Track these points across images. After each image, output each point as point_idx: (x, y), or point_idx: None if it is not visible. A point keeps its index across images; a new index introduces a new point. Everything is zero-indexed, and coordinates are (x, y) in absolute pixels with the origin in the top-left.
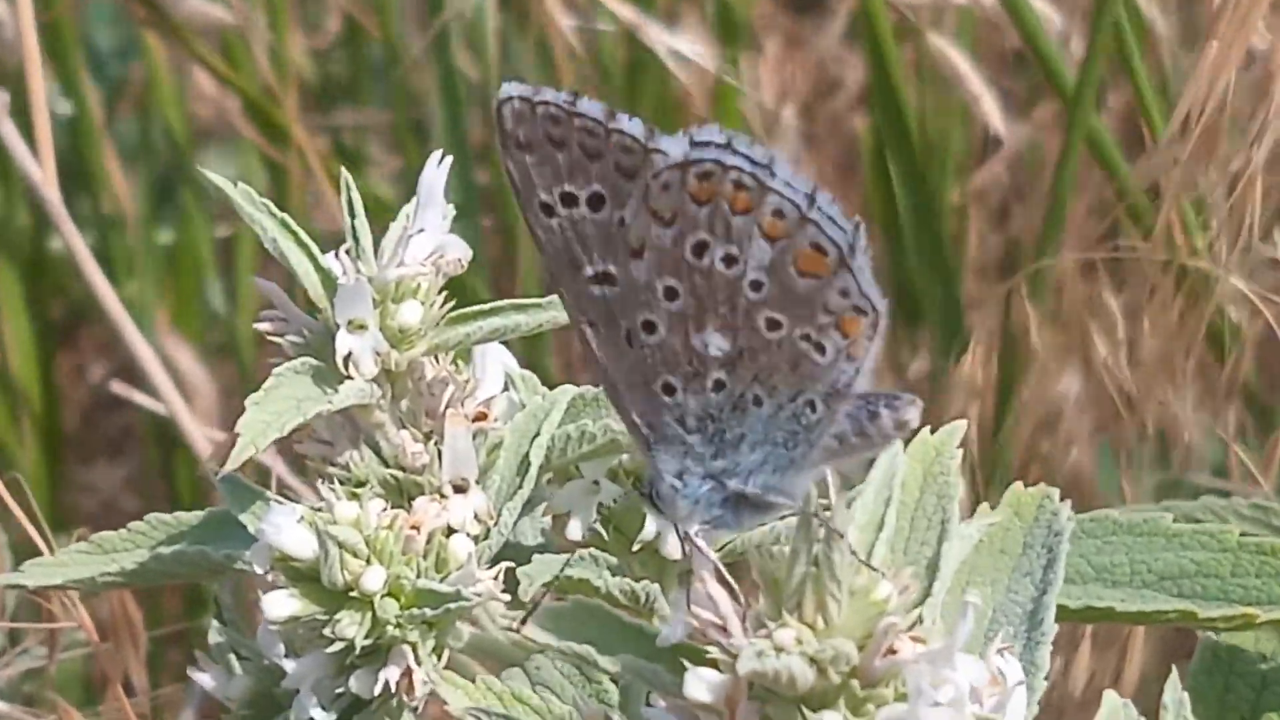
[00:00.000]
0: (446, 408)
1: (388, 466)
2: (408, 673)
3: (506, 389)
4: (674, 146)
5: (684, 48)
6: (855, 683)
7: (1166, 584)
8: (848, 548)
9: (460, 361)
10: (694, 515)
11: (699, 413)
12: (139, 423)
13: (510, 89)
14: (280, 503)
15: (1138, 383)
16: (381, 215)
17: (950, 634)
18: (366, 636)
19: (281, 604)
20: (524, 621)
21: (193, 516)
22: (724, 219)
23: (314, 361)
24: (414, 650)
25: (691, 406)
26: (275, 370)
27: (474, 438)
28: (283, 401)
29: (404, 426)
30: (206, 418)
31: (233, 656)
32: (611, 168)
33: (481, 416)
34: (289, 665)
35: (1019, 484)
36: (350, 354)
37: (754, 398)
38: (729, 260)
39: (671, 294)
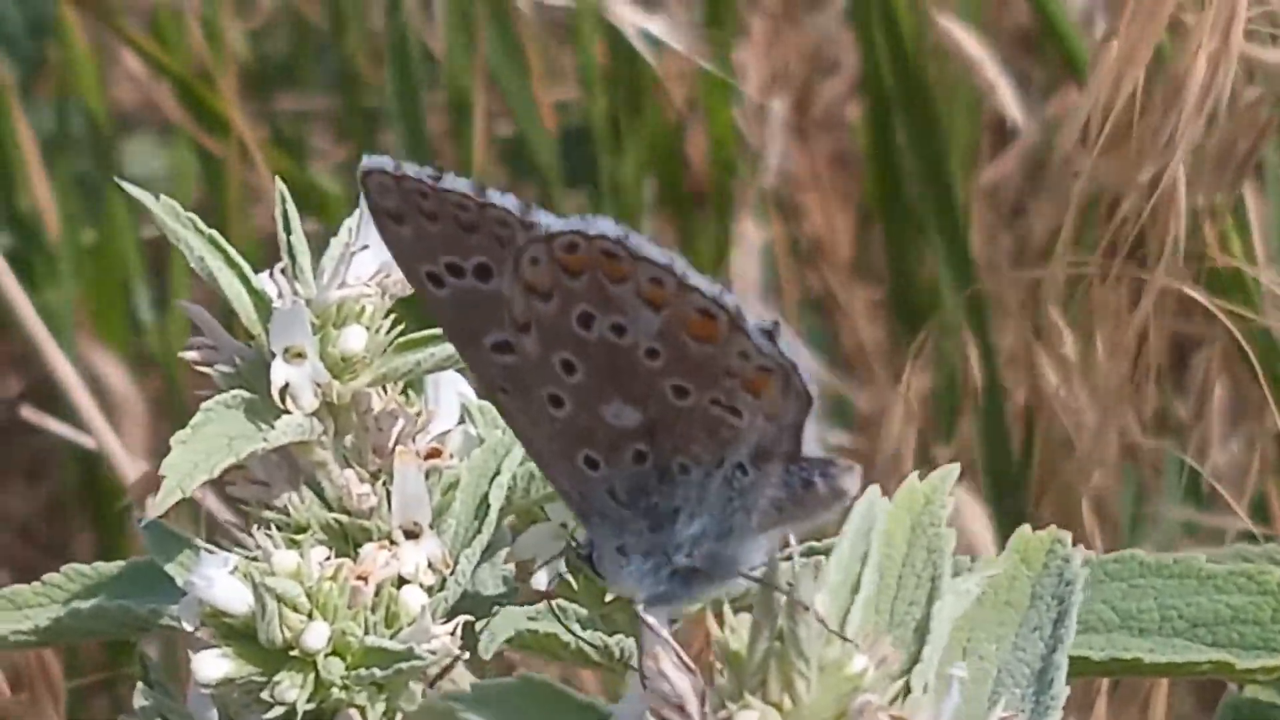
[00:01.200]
0: (396, 444)
1: (331, 510)
2: None
3: (463, 422)
4: (552, 220)
5: (657, 29)
6: None
7: (1200, 631)
8: (814, 619)
9: (411, 392)
10: (640, 589)
11: (628, 486)
12: (59, 443)
13: (371, 163)
14: (211, 552)
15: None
16: (327, 212)
17: (937, 711)
18: (309, 700)
19: (214, 665)
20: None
21: (113, 567)
22: (601, 289)
23: (247, 394)
24: (362, 715)
25: (618, 479)
26: (204, 405)
27: (427, 477)
28: (212, 440)
29: (349, 465)
30: (133, 437)
31: None
32: (491, 240)
33: (435, 453)
34: None
35: (1026, 528)
36: (287, 385)
37: (679, 466)
38: (618, 330)
39: (569, 367)
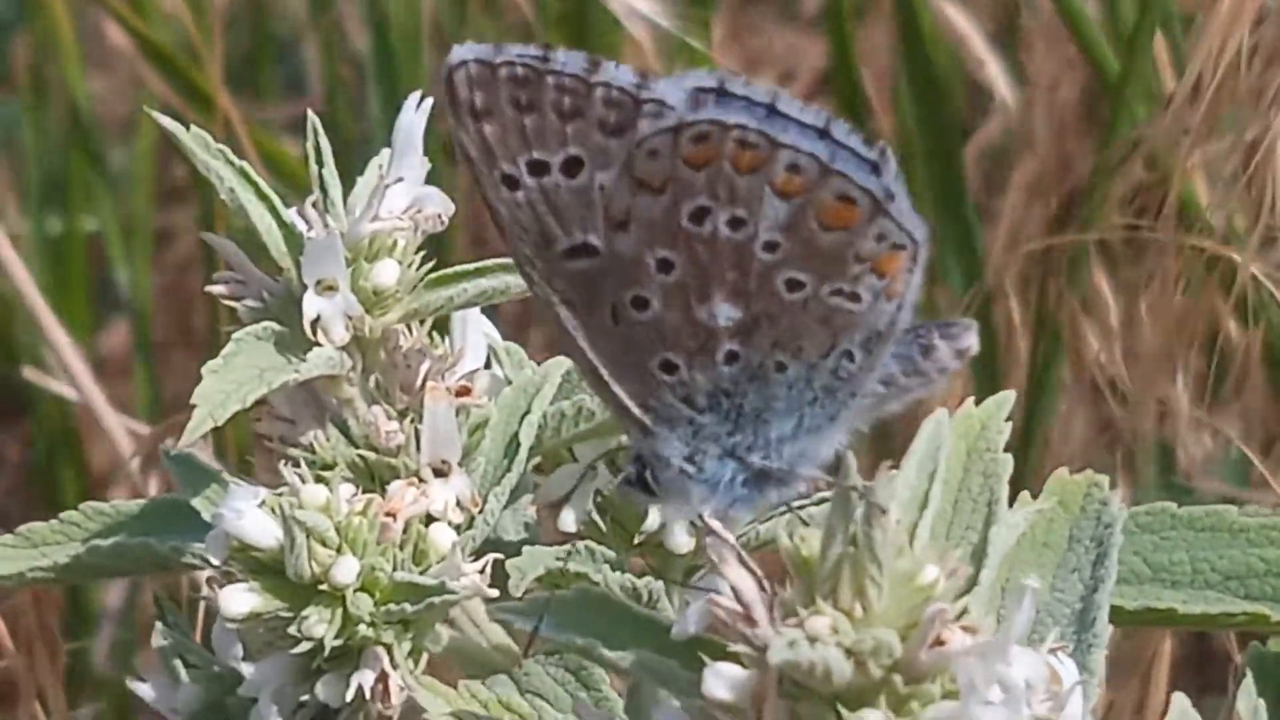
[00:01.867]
0: (424, 382)
1: (357, 447)
2: (383, 677)
3: (489, 365)
4: (672, 93)
5: (640, 3)
6: (898, 678)
7: (1233, 584)
8: (891, 525)
9: (436, 335)
10: (711, 500)
11: (709, 389)
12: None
13: (463, 52)
14: (239, 484)
15: (1135, 379)
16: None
17: (1004, 625)
18: (336, 636)
19: (240, 599)
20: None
21: (132, 506)
22: (728, 181)
23: (277, 327)
24: (389, 653)
25: (700, 383)
26: (235, 336)
27: (456, 415)
28: (243, 370)
29: (376, 403)
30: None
31: (179, 663)
32: (595, 126)
33: (464, 392)
34: (247, 670)
35: (1063, 470)
36: (319, 318)
37: (776, 364)
38: (735, 223)
39: (666, 266)
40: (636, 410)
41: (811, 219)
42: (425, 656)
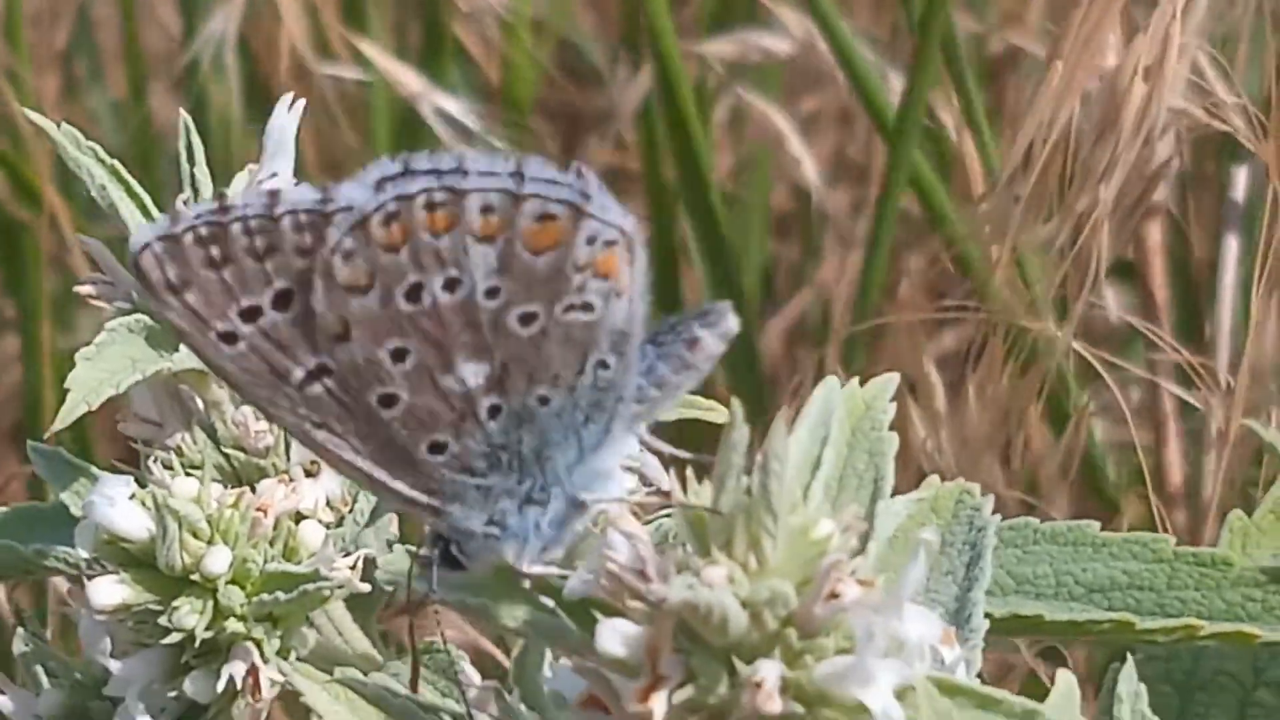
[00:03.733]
0: None
1: (225, 450)
2: (253, 670)
3: None
4: (359, 193)
5: (454, 108)
6: (792, 632)
7: (1096, 596)
8: (787, 475)
9: None
10: (525, 550)
11: (484, 450)
12: None
13: (143, 234)
14: (110, 476)
15: (962, 464)
16: None
17: (898, 579)
18: (207, 628)
19: (110, 590)
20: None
21: None
22: (430, 249)
23: (149, 321)
24: (259, 649)
25: (473, 449)
26: (108, 325)
27: None
28: (117, 359)
29: (242, 405)
30: None
31: (40, 670)
32: (292, 254)
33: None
34: (114, 666)
35: (934, 478)
36: None
37: (539, 399)
38: (451, 285)
39: (399, 355)
40: (423, 498)
41: (521, 250)
42: (293, 656)
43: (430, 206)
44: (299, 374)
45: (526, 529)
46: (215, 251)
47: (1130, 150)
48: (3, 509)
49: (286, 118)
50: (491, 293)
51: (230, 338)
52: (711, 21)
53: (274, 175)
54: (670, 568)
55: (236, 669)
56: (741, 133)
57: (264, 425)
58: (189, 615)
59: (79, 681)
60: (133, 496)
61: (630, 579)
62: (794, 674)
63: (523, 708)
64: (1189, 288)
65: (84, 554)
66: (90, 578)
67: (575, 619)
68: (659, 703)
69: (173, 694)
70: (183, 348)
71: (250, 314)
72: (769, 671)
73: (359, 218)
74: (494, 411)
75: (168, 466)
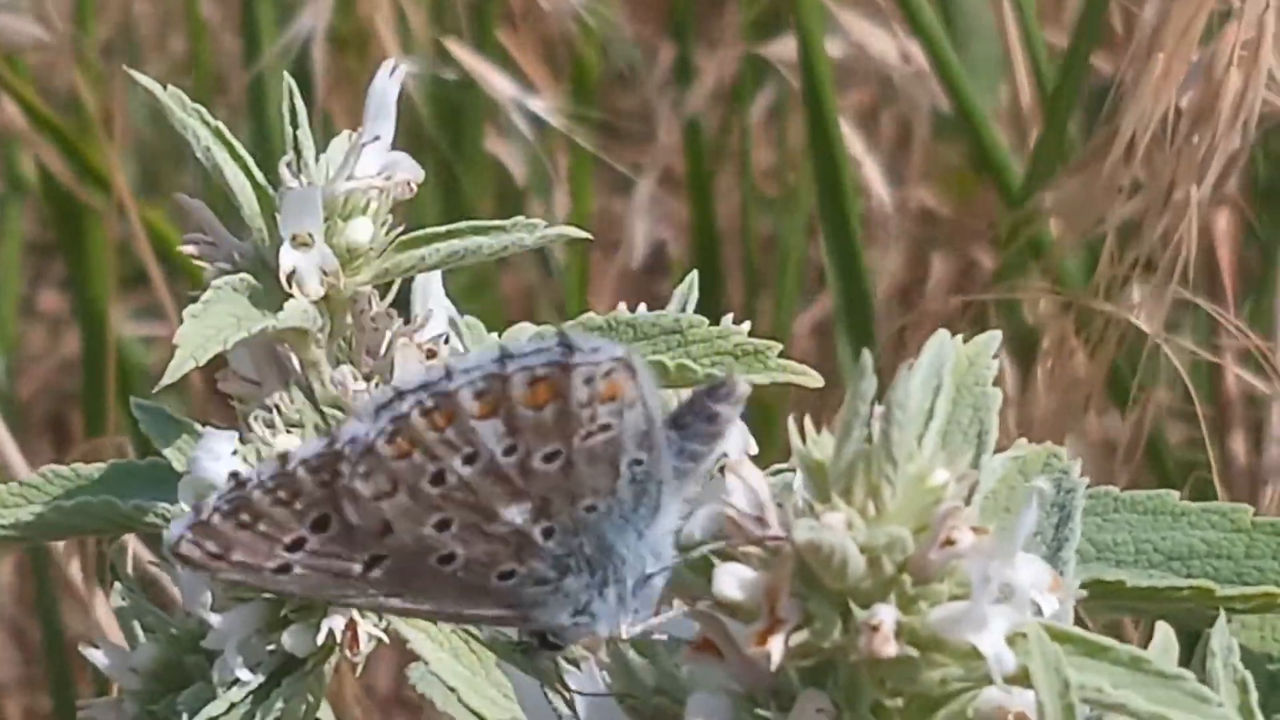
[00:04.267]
0: (391, 345)
1: (322, 410)
2: (351, 625)
3: (447, 341)
4: (362, 426)
5: (536, 106)
6: (907, 578)
7: (1175, 564)
8: (909, 422)
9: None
10: (621, 620)
11: (551, 563)
12: None
13: (175, 530)
14: (214, 430)
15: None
16: None
17: (1011, 526)
18: None
19: None
20: None
21: (93, 469)
22: (441, 443)
23: (253, 281)
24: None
25: (540, 566)
26: (214, 283)
27: None
28: (222, 317)
29: (342, 364)
30: None
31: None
32: (316, 488)
33: (432, 354)
34: (214, 619)
35: (1022, 441)
36: (294, 271)
37: (586, 509)
38: (469, 460)
39: (444, 525)
40: (509, 613)
41: (523, 411)
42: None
43: (425, 413)
44: (357, 569)
45: (612, 608)
46: (244, 517)
47: (1229, 138)
48: (99, 466)
49: (388, 81)
50: (509, 451)
51: (284, 569)
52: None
53: (376, 139)
54: (789, 513)
55: (336, 623)
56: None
57: (363, 385)
58: None
59: (174, 636)
60: (235, 452)
61: (748, 524)
62: (908, 619)
63: (633, 654)
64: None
65: (188, 507)
66: None
67: (690, 565)
68: (776, 645)
69: (270, 648)
70: (288, 304)
71: (295, 545)
72: (886, 615)
73: (364, 447)
74: (548, 533)
75: (269, 425)
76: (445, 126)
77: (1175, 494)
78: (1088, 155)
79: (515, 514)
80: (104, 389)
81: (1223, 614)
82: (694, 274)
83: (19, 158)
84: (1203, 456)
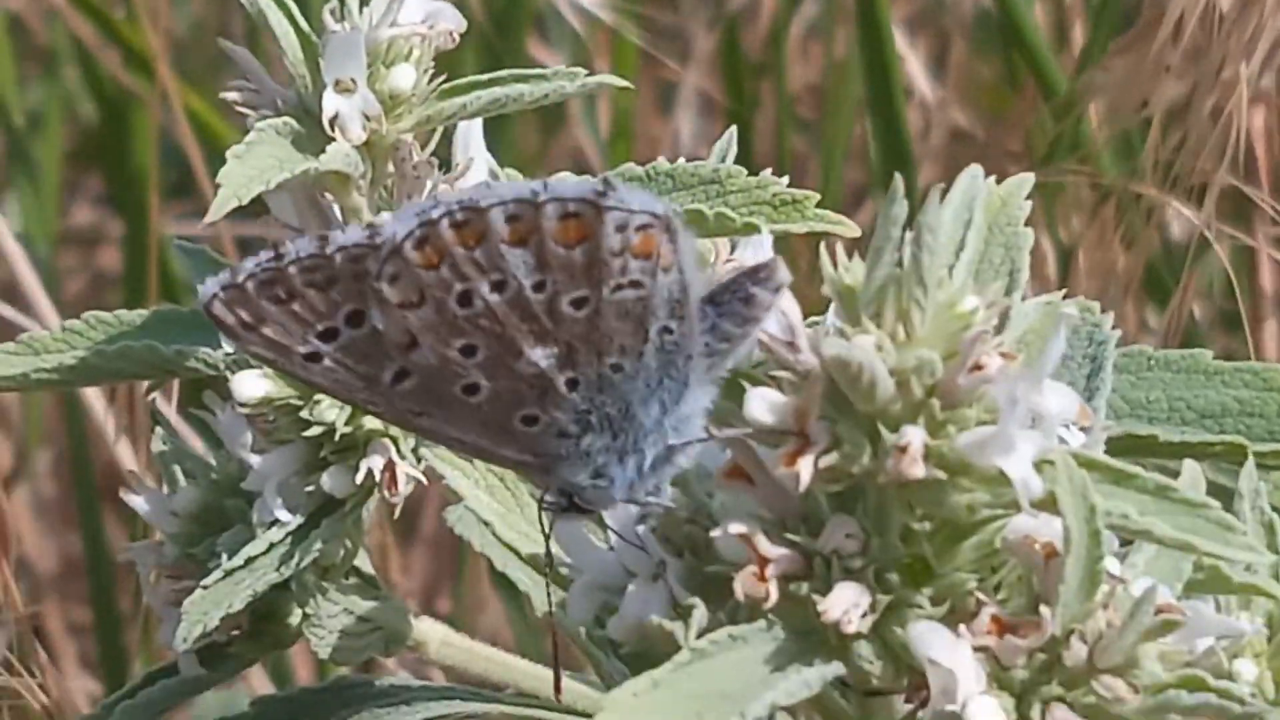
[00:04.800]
0: (434, 190)
1: None
2: (390, 465)
3: None
4: (402, 224)
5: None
6: (935, 402)
7: (1208, 422)
8: (940, 246)
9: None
10: (639, 491)
11: (573, 417)
12: None
13: (208, 288)
14: None
15: None
16: None
17: (1040, 353)
18: (346, 424)
19: (254, 384)
20: None
21: (135, 315)
22: (468, 260)
23: (295, 125)
24: (395, 446)
25: (562, 418)
26: (257, 125)
27: None
28: (265, 158)
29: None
30: None
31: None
32: (350, 281)
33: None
34: (254, 460)
35: (1055, 296)
36: (337, 116)
37: (612, 367)
38: (498, 287)
39: (469, 351)
40: (531, 459)
41: (554, 246)
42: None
43: (455, 225)
44: (388, 375)
45: (630, 477)
46: (280, 291)
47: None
48: (141, 312)
49: None
50: (538, 286)
51: (315, 357)
52: None
53: None
54: (820, 338)
55: (375, 462)
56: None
57: None
58: (329, 409)
59: (214, 480)
60: None
61: (779, 348)
62: (936, 443)
63: None
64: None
65: (226, 351)
66: (234, 373)
67: (722, 392)
68: (805, 467)
69: (309, 489)
70: (331, 148)
71: (328, 335)
72: (914, 436)
73: (391, 245)
74: (572, 384)
75: None
76: (491, 29)
77: (1209, 353)
78: (1134, 36)
79: (541, 356)
80: (145, 295)
81: (1251, 458)
82: (733, 128)
83: (60, 38)
84: (1240, 352)
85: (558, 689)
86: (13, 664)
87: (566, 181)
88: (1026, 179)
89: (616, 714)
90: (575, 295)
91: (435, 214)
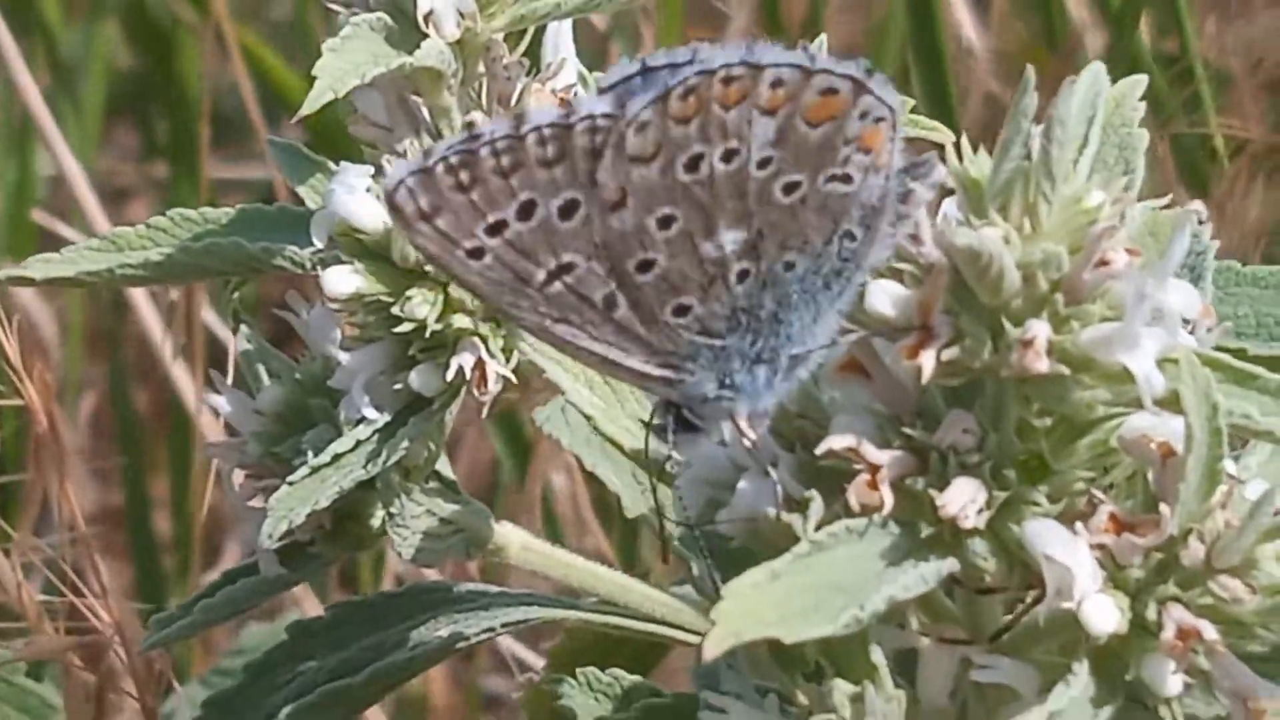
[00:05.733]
0: (523, 93)
1: None
2: (480, 364)
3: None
4: (599, 102)
5: None
6: (1060, 297)
7: None
8: (1070, 143)
9: None
10: (757, 404)
11: (725, 313)
12: None
13: (398, 171)
14: (351, 163)
15: None
16: None
17: (1165, 250)
18: (438, 320)
19: (344, 279)
20: None
21: (220, 213)
22: (717, 122)
23: (389, 21)
24: (484, 345)
25: (716, 311)
26: (351, 20)
27: None
28: (359, 53)
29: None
30: None
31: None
32: (536, 167)
33: (563, 103)
34: (343, 357)
35: (1154, 204)
36: (431, 11)
37: (785, 264)
38: (728, 156)
39: (666, 222)
40: (656, 370)
41: (799, 123)
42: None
43: (727, 80)
44: (540, 276)
45: (757, 387)
46: (465, 176)
47: None
48: (226, 210)
49: None
50: (764, 163)
51: (477, 253)
52: None
53: None
54: (944, 231)
55: (466, 360)
56: None
57: None
58: (421, 305)
59: (298, 380)
60: (369, 190)
61: (904, 241)
62: (1059, 338)
63: None
64: None
65: (315, 247)
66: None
67: None
68: (927, 359)
69: (396, 387)
70: (425, 44)
71: (496, 228)
72: (1040, 330)
73: (660, 93)
74: (743, 276)
75: None
76: None
77: None
78: None
79: (730, 239)
80: None
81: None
82: (823, 35)
83: None
84: None
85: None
86: (76, 585)
87: (837, 60)
88: (1140, 80)
89: (736, 603)
90: (791, 179)
91: (715, 63)
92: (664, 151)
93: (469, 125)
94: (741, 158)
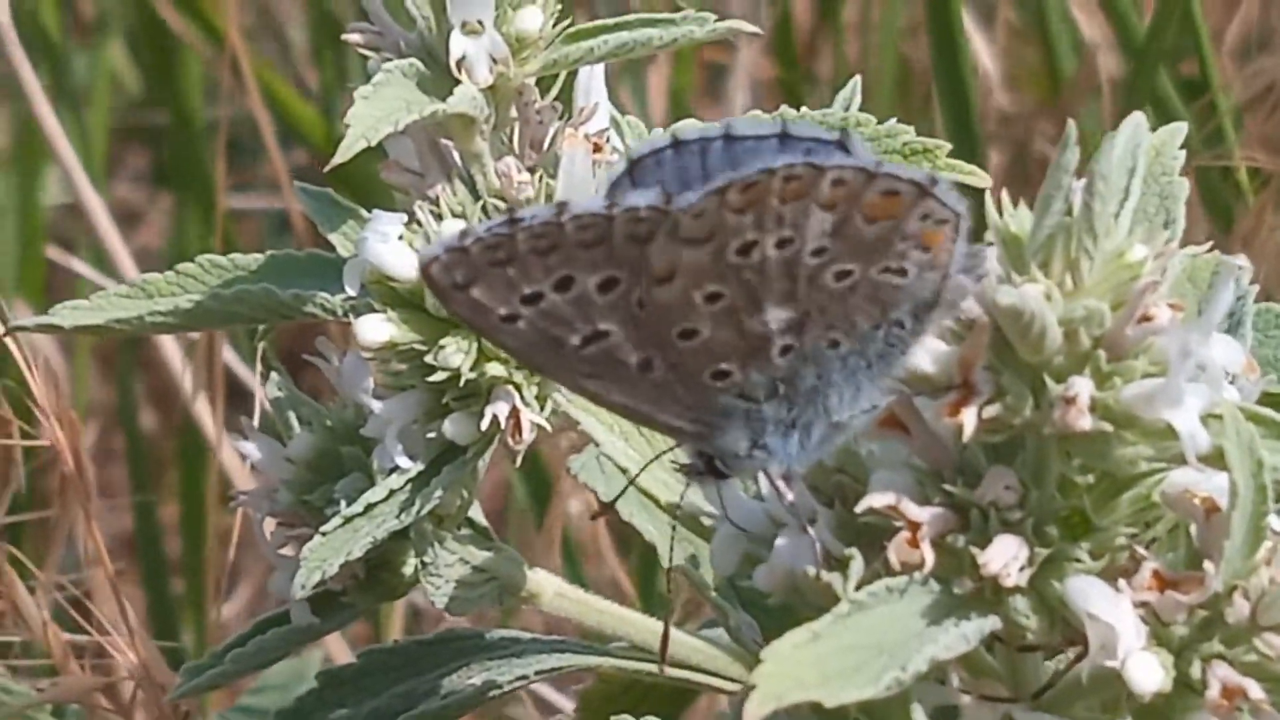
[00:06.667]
0: (555, 138)
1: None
2: (514, 413)
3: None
4: (644, 195)
5: None
6: (1102, 353)
7: None
8: (1111, 193)
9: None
10: (788, 464)
11: (765, 382)
12: None
13: (432, 250)
14: (384, 211)
15: None
16: None
17: (1207, 306)
18: (471, 369)
19: (378, 327)
20: None
21: (250, 259)
22: (774, 214)
23: (421, 67)
24: (518, 393)
25: (755, 380)
26: (384, 67)
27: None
28: (392, 100)
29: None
30: None
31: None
32: (575, 248)
33: (597, 148)
34: (376, 405)
35: (1190, 250)
36: (464, 57)
37: (829, 342)
38: (782, 244)
39: (713, 298)
40: (689, 426)
41: (858, 219)
42: (550, 403)
43: (789, 179)
44: (574, 341)
45: (790, 452)
46: (501, 254)
47: None
48: (257, 256)
49: None
50: (818, 252)
51: (511, 319)
52: None
53: None
54: (987, 288)
55: (500, 409)
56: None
57: (527, 176)
58: (455, 354)
59: (329, 427)
60: (401, 237)
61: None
62: (1102, 395)
63: None
64: None
65: (347, 294)
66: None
67: None
68: (969, 417)
69: (430, 435)
70: (457, 90)
71: (530, 299)
72: (1082, 387)
73: (721, 185)
74: (785, 350)
75: (436, 215)
76: None
77: None
78: None
79: (776, 317)
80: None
81: None
82: (857, 77)
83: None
84: None
85: (663, 654)
86: (101, 624)
87: (906, 169)
88: (1180, 128)
89: (777, 665)
90: (844, 267)
91: (776, 163)
92: (717, 237)
93: (509, 211)
94: (795, 246)
